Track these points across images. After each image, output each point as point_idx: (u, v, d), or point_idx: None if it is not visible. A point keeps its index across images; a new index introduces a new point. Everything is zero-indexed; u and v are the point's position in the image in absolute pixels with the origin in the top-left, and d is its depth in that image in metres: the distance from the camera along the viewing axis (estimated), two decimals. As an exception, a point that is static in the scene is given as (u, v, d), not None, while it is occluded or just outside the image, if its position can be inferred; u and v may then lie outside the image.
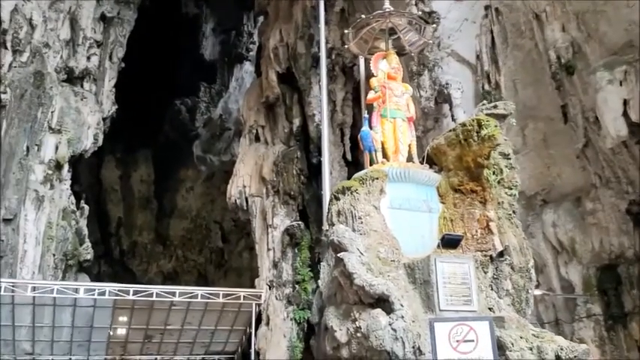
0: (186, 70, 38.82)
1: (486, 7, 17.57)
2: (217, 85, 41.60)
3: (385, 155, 9.25)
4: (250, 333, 19.24)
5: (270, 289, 20.33)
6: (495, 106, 9.27)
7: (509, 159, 9.14)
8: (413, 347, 6.72)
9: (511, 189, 9.04)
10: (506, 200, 8.95)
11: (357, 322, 7.35)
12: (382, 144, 9.32)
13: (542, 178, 17.19)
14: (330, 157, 16.55)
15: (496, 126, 8.51)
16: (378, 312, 7.15)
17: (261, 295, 19.19)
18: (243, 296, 18.71)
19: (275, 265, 20.97)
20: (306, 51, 21.14)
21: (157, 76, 34.11)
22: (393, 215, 8.55)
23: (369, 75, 10.24)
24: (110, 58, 28.30)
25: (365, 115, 9.61)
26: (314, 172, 21.50)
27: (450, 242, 7.84)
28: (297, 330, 19.54)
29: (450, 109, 16.70)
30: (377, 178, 8.53)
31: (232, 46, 41.89)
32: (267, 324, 19.64)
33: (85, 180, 34.63)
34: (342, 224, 8.22)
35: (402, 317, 6.99)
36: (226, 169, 30.68)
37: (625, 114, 13.58)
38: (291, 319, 19.56)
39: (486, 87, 17.27)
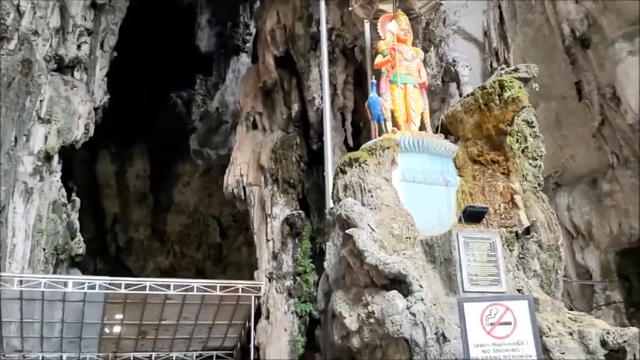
0: (182, 62, 37.88)
1: (494, -19, 16.69)
2: (214, 78, 40.71)
3: (396, 124, 8.38)
4: (249, 327, 18.33)
5: (269, 281, 19.42)
6: (516, 69, 8.39)
7: (534, 127, 8.29)
8: (436, 333, 5.85)
9: (536, 160, 8.18)
10: (531, 172, 8.09)
11: (369, 307, 6.49)
12: (392, 112, 8.45)
13: (555, 159, 16.27)
14: (331, 142, 15.69)
15: (520, 87, 7.61)
16: (394, 294, 6.27)
17: (260, 288, 18.27)
18: (242, 289, 17.79)
19: (275, 256, 20.06)
20: (304, 32, 20.17)
21: (152, 69, 33.23)
22: (406, 189, 7.68)
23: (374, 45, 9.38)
24: (102, 46, 27.37)
25: (372, 80, 8.70)
26: (314, 159, 20.56)
27: (473, 215, 6.96)
28: (299, 324, 18.64)
29: (458, 87, 15.81)
30: (388, 148, 7.64)
31: (228, 38, 41.00)
32: (267, 318, 18.73)
33: (80, 176, 33.75)
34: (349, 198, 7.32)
35: (422, 300, 6.12)
36: (224, 163, 29.77)
37: (647, 86, 12.71)
38: (292, 313, 18.66)
39: (495, 65, 16.37)
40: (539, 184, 8.03)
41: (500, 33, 16.69)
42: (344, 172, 7.79)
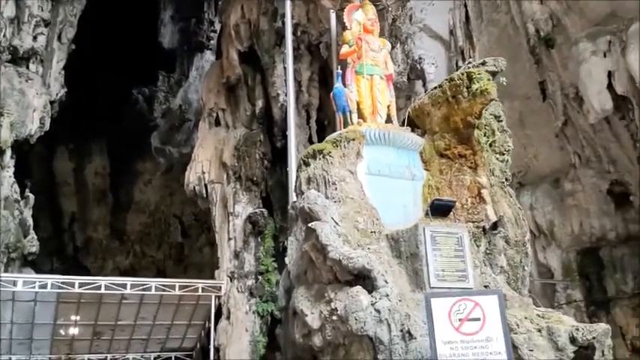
0: (144, 57, 37.02)
1: (461, -21, 16.66)
2: (177, 75, 39.95)
3: (361, 116, 8.09)
4: (209, 328, 17.86)
5: (231, 280, 18.99)
6: (484, 63, 8.21)
7: (501, 121, 8.12)
8: (401, 331, 5.59)
9: (503, 154, 8.01)
10: (498, 167, 7.92)
11: (332, 304, 6.18)
12: (358, 104, 8.16)
13: (519, 159, 16.27)
14: (295, 139, 15.41)
15: (489, 79, 7.44)
16: (358, 290, 5.98)
17: (221, 287, 17.83)
18: (202, 288, 17.31)
19: (236, 255, 19.64)
20: (269, 27, 19.84)
21: (113, 63, 32.36)
22: (372, 182, 7.40)
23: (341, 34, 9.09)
24: (59, 38, 26.40)
25: (338, 70, 8.42)
26: (278, 157, 20.23)
27: (440, 209, 6.74)
28: (260, 324, 18.29)
29: (424, 85, 15.71)
30: (353, 140, 7.36)
31: (192, 34, 40.28)
32: (228, 318, 18.31)
33: (37, 172, 32.60)
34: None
35: (387, 296, 5.85)
36: (186, 161, 29.17)
37: (610, 87, 12.79)
38: (253, 313, 18.29)
39: (460, 64, 16.32)
40: (506, 179, 7.88)
41: (466, 32, 16.68)
42: (307, 165, 7.48)
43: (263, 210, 19.65)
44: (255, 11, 20.34)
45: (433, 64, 15.54)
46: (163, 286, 16.77)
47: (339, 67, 8.54)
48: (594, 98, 12.95)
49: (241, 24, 20.72)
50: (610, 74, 12.72)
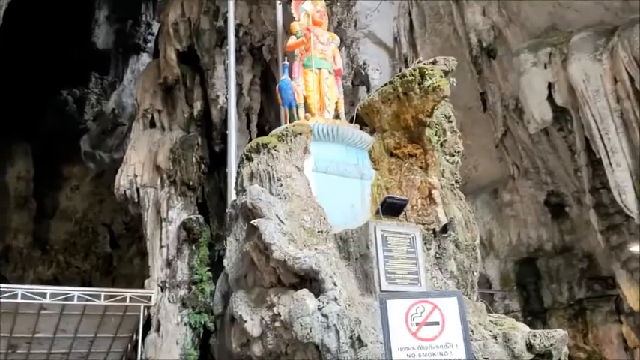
0: (76, 58, 35.33)
1: (405, -12, 16.64)
2: (110, 77, 38.37)
3: (308, 111, 7.65)
4: (137, 340, 16.76)
5: (162, 290, 17.99)
6: (435, 61, 7.96)
7: (451, 122, 7.89)
8: (351, 337, 5.12)
9: (453, 156, 7.78)
10: (448, 168, 7.67)
11: (275, 309, 5.65)
12: (305, 98, 7.72)
13: (459, 169, 16.41)
14: (235, 142, 14.81)
15: (441, 76, 7.17)
16: (304, 293, 5.48)
17: (150, 297, 16.80)
18: (130, 297, 16.23)
19: (169, 263, 18.67)
20: (210, 27, 19.15)
21: (41, 62, 30.62)
22: (319, 180, 6.96)
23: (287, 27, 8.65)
24: (-19, 30, 24.66)
25: (285, 62, 7.95)
26: (216, 162, 19.48)
27: (392, 207, 6.35)
28: (192, 336, 17.38)
29: (368, 91, 15.45)
30: (300, 134, 6.88)
31: (129, 36, 38.89)
32: (158, 330, 17.27)
33: (-48, 177, 30.37)
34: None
35: (336, 299, 5.38)
36: (118, 167, 28.01)
37: (550, 98, 12.96)
38: (185, 324, 17.36)
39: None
40: (456, 182, 7.64)
41: (410, 40, 16.63)
42: (250, 160, 6.94)
43: (199, 216, 18.80)
44: (195, 10, 19.62)
45: (378, 69, 15.36)
46: (87, 295, 15.59)
47: (286, 58, 8.08)
48: (535, 109, 13.07)
49: (181, 22, 19.92)
50: (550, 85, 12.87)
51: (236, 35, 17.69)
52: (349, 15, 15.12)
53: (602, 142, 11.29)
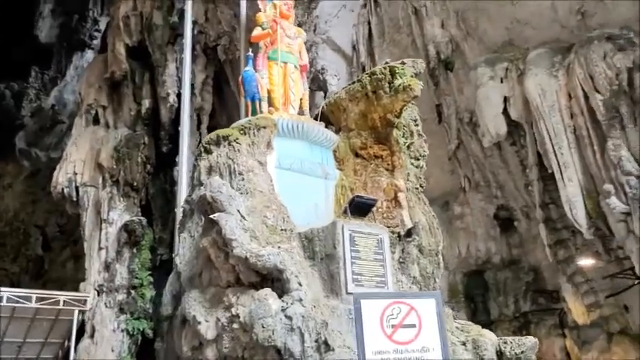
0: (16, 50, 33.63)
1: (365, -4, 16.61)
2: (52, 72, 36.65)
3: (272, 105, 7.32)
4: (69, 347, 15.74)
5: (98, 294, 17.03)
6: (403, 63, 7.78)
7: (418, 125, 7.73)
8: (316, 341, 4.79)
9: (418, 159, 7.61)
10: (413, 172, 7.48)
11: (233, 309, 5.25)
12: (269, 92, 7.38)
13: (412, 180, 16.42)
14: (187, 141, 14.26)
15: (412, 76, 7.00)
16: (266, 293, 5.11)
17: (86, 301, 15.84)
18: (64, 301, 15.23)
19: (107, 267, 17.72)
20: (163, 23, 18.48)
21: (-23, 52, 28.98)
22: (282, 177, 6.62)
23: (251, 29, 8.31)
24: None
25: (249, 53, 7.58)
26: (163, 163, 18.77)
27: (360, 207, 6.06)
28: (129, 343, 16.51)
29: (325, 97, 15.24)
30: (264, 127, 6.54)
31: (74, 31, 37.39)
32: (92, 336, 16.29)
33: None
34: (215, 181, 6.05)
35: (301, 300, 5.04)
36: (55, 167, 26.67)
37: (505, 112, 13.11)
38: (122, 331, 16.47)
39: (361, 80, 16.16)
40: (420, 185, 7.45)
41: (369, 49, 16.55)
42: (209, 152, 6.52)
43: (142, 218, 17.96)
44: (148, 4, 18.91)
45: (336, 75, 15.17)
46: (17, 297, 14.54)
47: (250, 50, 7.72)
48: (490, 122, 13.19)
49: (132, 16, 19.14)
50: (506, 100, 13.02)
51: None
52: (309, 18, 14.92)
53: (556, 156, 11.46)
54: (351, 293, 5.38)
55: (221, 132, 6.61)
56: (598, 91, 10.62)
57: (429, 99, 15.77)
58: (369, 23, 16.72)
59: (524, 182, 14.01)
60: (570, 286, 12.71)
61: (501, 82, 13.19)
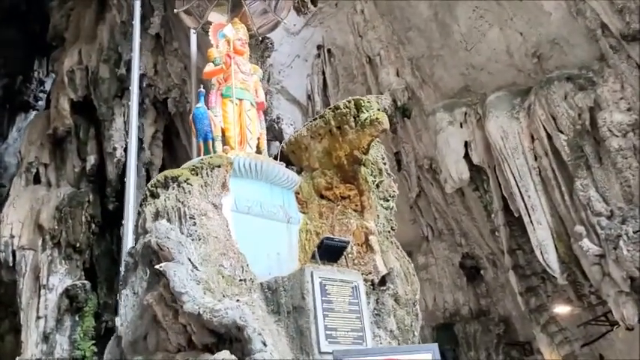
0: (-46, 111, 32.10)
1: (319, 47, 16.43)
2: (-7, 135, 35.14)
3: (227, 145, 6.63)
4: None
5: (36, 369, 15.45)
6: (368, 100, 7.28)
7: (386, 164, 7.17)
8: (287, 412, 3.92)
9: (388, 200, 6.98)
10: (383, 214, 6.84)
11: (184, 379, 4.34)
12: (223, 131, 6.72)
13: (373, 231, 15.83)
14: (134, 199, 13.31)
15: (379, 109, 6.48)
16: (224, 357, 4.24)
17: (21, 377, 14.27)
18: (-6, 379, 13.64)
19: (46, 338, 16.20)
20: (110, 76, 17.76)
21: None
22: (239, 221, 5.87)
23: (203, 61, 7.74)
24: None
25: (200, 89, 6.94)
26: (109, 222, 17.59)
27: (330, 250, 5.33)
28: None
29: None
30: (218, 167, 5.82)
31: (17, 92, 36.18)
32: (28, 418, 14.64)
33: None
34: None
35: (266, 363, 4.19)
36: (-7, 230, 24.95)
37: (466, 157, 12.82)
38: (62, 411, 14.88)
39: (317, 130, 15.73)
40: (392, 228, 6.80)
41: (324, 99, 16.27)
42: (155, 196, 5.74)
43: (85, 282, 16.63)
44: (94, 57, 18.22)
45: (292, 124, 14.65)
46: (-62, 377, 12.88)
47: (202, 86, 7.09)
48: (452, 167, 12.85)
49: (77, 70, 18.36)
50: (467, 144, 12.76)
51: (139, 86, 16.51)
52: (263, 67, 14.49)
53: (523, 200, 11.11)
54: (325, 352, 4.60)
55: (169, 173, 5.86)
56: (561, 132, 10.44)
57: (387, 147, 15.43)
58: (323, 73, 16.50)
59: (490, 228, 13.62)
60: (545, 336, 12.13)
61: (461, 126, 12.97)
